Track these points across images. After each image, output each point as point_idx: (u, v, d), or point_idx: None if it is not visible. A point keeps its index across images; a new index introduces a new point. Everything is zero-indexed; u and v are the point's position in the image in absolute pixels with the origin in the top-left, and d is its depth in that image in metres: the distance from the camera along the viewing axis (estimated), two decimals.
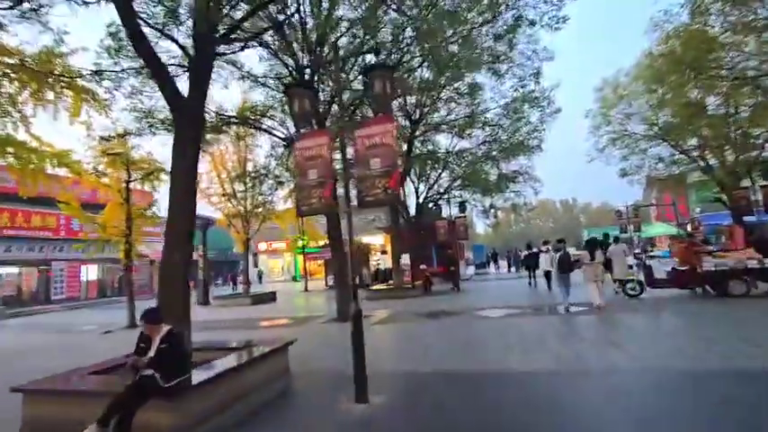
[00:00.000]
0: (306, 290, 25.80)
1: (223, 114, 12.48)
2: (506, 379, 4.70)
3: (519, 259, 25.65)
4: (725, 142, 12.34)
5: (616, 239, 11.09)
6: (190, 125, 5.23)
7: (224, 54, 8.35)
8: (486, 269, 29.97)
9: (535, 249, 17.65)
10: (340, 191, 5.59)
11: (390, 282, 20.15)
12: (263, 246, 46.55)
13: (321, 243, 29.79)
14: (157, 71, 5.25)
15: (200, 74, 5.30)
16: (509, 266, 30.62)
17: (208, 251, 25.75)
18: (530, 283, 16.58)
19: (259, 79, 12.75)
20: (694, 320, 7.10)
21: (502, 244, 73.23)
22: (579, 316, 8.67)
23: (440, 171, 23.10)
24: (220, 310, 17.11)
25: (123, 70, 7.21)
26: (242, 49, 7.86)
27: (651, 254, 11.18)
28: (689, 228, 35.51)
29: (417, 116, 16.92)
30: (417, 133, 17.28)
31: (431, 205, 24.24)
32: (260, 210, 19.75)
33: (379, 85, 3.95)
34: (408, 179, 24.48)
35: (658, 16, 11.73)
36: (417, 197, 24.41)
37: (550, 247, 13.69)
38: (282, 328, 10.46)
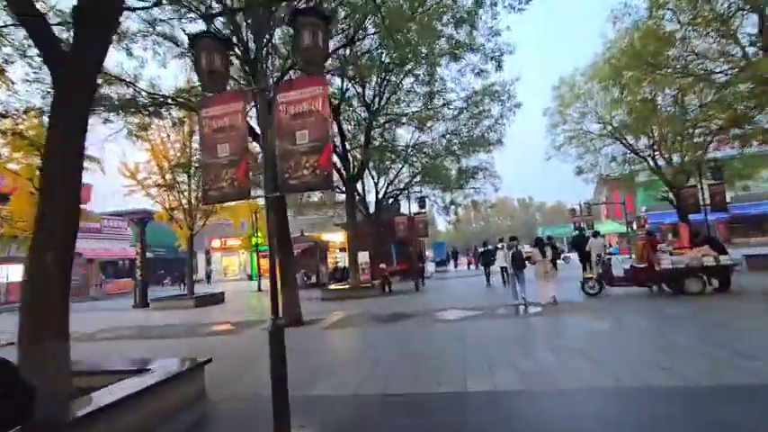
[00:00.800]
0: (259, 289, 24.32)
1: (156, 95, 11.07)
2: (462, 402, 3.96)
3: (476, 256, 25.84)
4: (681, 138, 12.39)
5: (596, 234, 10.95)
6: (77, 90, 4.07)
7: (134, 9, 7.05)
8: (446, 267, 29.76)
9: (490, 247, 17.87)
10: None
11: (348, 281, 19.26)
12: (216, 243, 44.06)
13: None
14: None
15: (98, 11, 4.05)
16: (468, 264, 30.82)
17: (150, 248, 23.73)
18: (487, 280, 16.66)
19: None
20: (662, 323, 6.75)
21: (463, 242, 74.26)
22: (540, 317, 8.20)
23: (401, 166, 22.50)
24: (157, 313, 15.51)
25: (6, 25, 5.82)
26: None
27: (610, 251, 10.90)
28: (635, 225, 37.21)
29: (376, 106, 16.10)
30: (376, 124, 16.45)
31: (390, 201, 23.58)
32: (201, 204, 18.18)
33: (308, 36, 3.05)
34: (368, 174, 23.73)
35: (618, 8, 11.58)
36: (377, 193, 23.67)
37: (505, 245, 13.52)
38: (219, 335, 9.29)
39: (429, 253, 34.98)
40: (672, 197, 20.21)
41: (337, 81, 14.05)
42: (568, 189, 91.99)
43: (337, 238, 30.20)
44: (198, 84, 11.94)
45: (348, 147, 16.42)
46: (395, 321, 9.35)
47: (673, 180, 19.41)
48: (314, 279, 24.96)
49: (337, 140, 15.74)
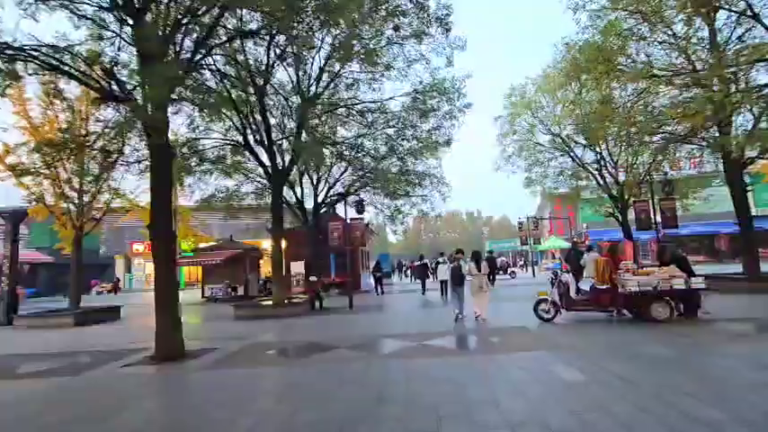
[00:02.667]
0: None
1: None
2: None
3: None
4: (638, 144, 11.45)
5: (590, 248, 9.48)
6: None
7: None
8: (390, 279, 27.93)
9: (426, 261, 17.02)
10: None
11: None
12: (139, 247, 39.12)
13: (204, 244, 25.04)
14: None
15: None
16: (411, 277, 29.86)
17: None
18: (422, 290, 16.64)
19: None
20: (652, 373, 5.11)
21: (413, 253, 73.34)
22: (491, 357, 6.39)
23: (342, 170, 20.44)
24: (8, 333, 12.13)
25: None
26: None
27: (564, 270, 9.39)
28: (580, 239, 37.79)
29: (312, 93, 13.97)
30: (312, 114, 14.28)
31: (330, 208, 21.39)
32: (99, 197, 14.93)
33: None
34: (306, 176, 21.41)
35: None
36: (316, 197, 21.41)
37: (447, 258, 12.33)
38: (41, 378, 6.49)
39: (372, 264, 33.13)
40: (617, 214, 19.93)
41: (261, 53, 11.86)
42: (514, 204, 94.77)
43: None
44: (75, 42, 9.25)
45: (276, 137, 14.09)
46: (308, 355, 7.18)
47: (618, 196, 19.11)
48: (240, 291, 22.02)
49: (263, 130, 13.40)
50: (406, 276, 32.68)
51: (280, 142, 14.40)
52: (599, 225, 34.23)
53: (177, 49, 7.59)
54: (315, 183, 21.24)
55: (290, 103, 14.25)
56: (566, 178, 21.34)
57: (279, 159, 14.76)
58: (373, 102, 14.64)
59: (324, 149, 14.73)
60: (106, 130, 10.59)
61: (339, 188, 21.93)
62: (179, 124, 14.98)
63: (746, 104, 10.87)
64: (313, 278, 15.09)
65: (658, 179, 14.03)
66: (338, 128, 17.12)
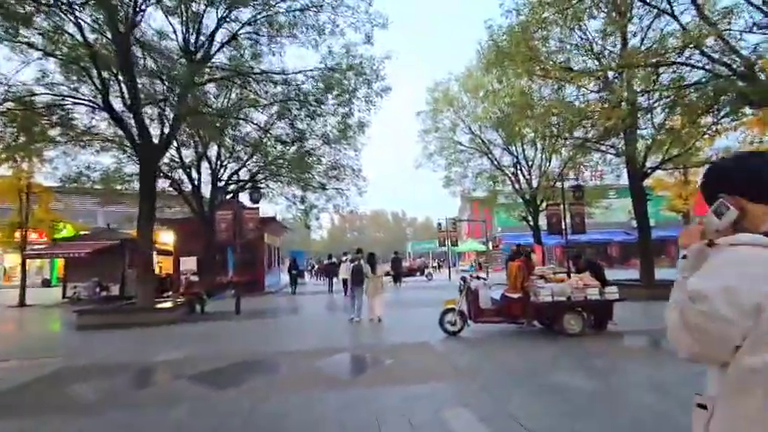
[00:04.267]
0: (21, 304, 16.76)
1: None
2: None
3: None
4: (567, 136, 10.94)
5: (529, 254, 8.33)
6: None
7: None
8: (304, 279, 25.84)
9: (334, 259, 15.74)
10: None
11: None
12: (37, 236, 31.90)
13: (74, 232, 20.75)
14: None
15: None
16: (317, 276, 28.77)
17: None
18: (329, 289, 16.70)
19: None
20: (562, 408, 4.00)
21: (338, 252, 71.41)
22: (385, 389, 4.92)
23: (247, 156, 17.96)
24: None
25: None
26: None
27: (478, 275, 8.36)
28: (491, 245, 38.91)
29: (201, 54, 11.52)
30: (200, 80, 11.79)
31: (231, 196, 18.75)
32: None
33: None
34: (205, 159, 18.54)
35: None
36: (214, 183, 18.65)
37: (348, 258, 12.43)
38: None
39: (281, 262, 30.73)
40: (530, 218, 20.18)
41: None
42: (439, 206, 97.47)
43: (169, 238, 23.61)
44: None
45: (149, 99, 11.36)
46: (127, 392, 5.12)
47: (531, 200, 19.30)
48: (116, 291, 18.37)
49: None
50: (314, 276, 31.15)
51: (155, 110, 11.70)
52: (514, 229, 35.51)
53: None
54: (214, 167, 18.50)
55: (173, 64, 11.60)
56: (483, 180, 21.18)
57: (157, 132, 12.08)
58: (278, 73, 12.57)
59: (218, 124, 12.32)
60: None
61: (246, 176, 19.44)
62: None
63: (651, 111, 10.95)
64: (193, 278, 12.63)
65: (569, 185, 13.89)
66: (246, 108, 14.67)
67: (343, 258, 13.91)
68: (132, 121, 11.01)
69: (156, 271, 20.00)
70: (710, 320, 0.89)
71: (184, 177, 18.11)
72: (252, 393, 4.73)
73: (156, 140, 11.63)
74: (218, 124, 12.64)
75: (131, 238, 20.45)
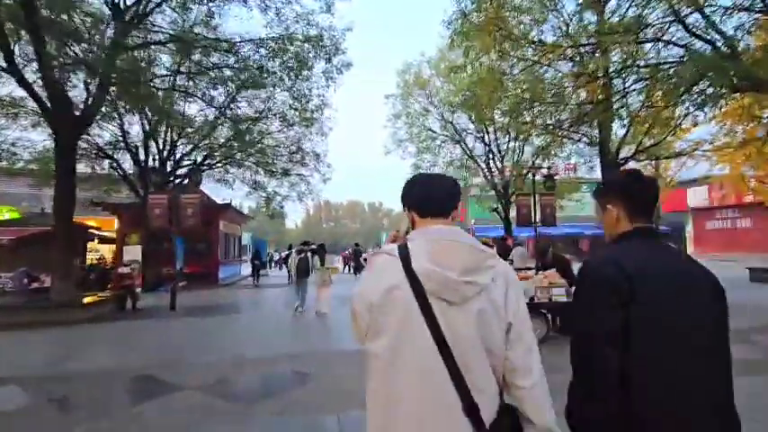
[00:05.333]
0: None
1: None
2: None
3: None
4: (537, 113, 10.04)
5: (518, 244, 7.57)
6: None
7: None
8: (267, 270, 24.43)
9: (293, 251, 14.38)
10: None
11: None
12: None
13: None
14: None
15: None
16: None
17: None
18: (288, 282, 15.92)
19: None
20: None
21: (319, 242, 70.20)
22: (295, 420, 3.86)
23: (202, 136, 16.34)
24: None
25: None
26: None
27: None
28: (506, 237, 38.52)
29: (131, 14, 9.97)
30: (132, 41, 10.25)
31: (182, 179, 17.20)
32: None
33: None
34: (153, 140, 16.82)
35: None
36: (162, 163, 17.01)
37: (294, 250, 11.50)
38: None
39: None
40: (501, 209, 19.46)
41: None
42: None
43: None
44: None
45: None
46: None
47: (504, 191, 18.56)
48: (48, 282, 16.56)
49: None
50: (278, 267, 30.02)
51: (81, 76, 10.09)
52: (486, 222, 35.05)
53: None
54: (161, 147, 16.83)
55: (94, 23, 9.98)
56: (455, 170, 20.28)
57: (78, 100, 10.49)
58: (223, 41, 11.12)
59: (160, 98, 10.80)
60: None
61: (201, 159, 17.84)
62: None
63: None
64: (124, 269, 11.20)
65: (541, 176, 13.12)
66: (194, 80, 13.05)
67: (294, 250, 12.92)
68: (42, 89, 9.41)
69: (91, 262, 18.31)
70: (353, 315, 1.17)
71: (128, 158, 16.47)
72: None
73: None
74: (159, 98, 11.13)
75: (77, 225, 18.68)
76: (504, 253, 9.21)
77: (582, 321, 1.17)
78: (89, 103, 10.15)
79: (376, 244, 72.46)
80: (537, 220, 12.27)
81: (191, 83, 12.63)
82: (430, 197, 1.20)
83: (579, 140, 12.74)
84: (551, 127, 11.40)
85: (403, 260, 1.07)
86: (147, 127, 16.06)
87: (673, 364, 1.07)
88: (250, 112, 15.14)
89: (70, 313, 9.44)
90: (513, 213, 19.07)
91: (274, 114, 15.07)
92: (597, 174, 18.15)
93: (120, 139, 16.00)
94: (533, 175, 12.41)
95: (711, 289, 1.15)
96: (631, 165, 14.26)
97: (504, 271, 1.12)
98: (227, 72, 11.55)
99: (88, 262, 19.26)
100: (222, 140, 16.43)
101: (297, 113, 14.28)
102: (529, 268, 7.39)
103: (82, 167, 17.06)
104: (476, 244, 1.10)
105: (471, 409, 1.02)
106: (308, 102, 13.33)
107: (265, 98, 14.13)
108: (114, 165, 16.12)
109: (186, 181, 17.16)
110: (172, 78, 12.85)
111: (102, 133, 16.00)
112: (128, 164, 16.79)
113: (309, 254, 10.07)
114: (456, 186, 1.26)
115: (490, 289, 1.06)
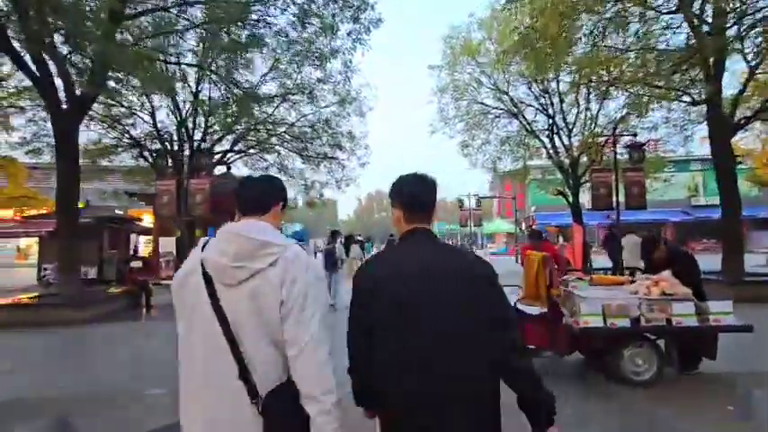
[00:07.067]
0: None
1: None
2: None
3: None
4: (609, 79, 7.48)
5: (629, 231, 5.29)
6: None
7: None
8: None
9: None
10: None
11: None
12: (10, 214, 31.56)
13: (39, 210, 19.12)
14: None
15: None
16: None
17: None
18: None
19: None
20: None
21: (365, 232, 69.61)
22: None
23: (232, 119, 15.18)
24: None
25: None
26: None
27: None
28: (523, 225, 34.76)
29: None
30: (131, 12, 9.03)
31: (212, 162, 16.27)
32: None
33: None
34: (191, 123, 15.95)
35: None
36: (192, 145, 15.98)
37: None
38: None
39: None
40: (567, 191, 16.53)
41: None
42: (471, 186, 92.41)
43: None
44: None
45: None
46: None
47: (572, 170, 15.59)
48: (93, 274, 16.59)
49: None
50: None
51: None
52: (550, 208, 31.40)
53: None
54: (191, 133, 15.90)
55: None
56: (511, 147, 17.57)
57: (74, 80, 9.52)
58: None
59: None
60: None
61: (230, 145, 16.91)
62: None
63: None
64: (137, 263, 10.26)
65: (623, 146, 10.30)
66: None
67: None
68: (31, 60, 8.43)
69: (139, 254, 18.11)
70: None
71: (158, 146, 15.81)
72: None
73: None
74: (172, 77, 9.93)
75: (113, 217, 18.73)
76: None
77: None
78: (86, 82, 9.10)
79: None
80: (618, 204, 9.57)
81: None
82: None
83: (679, 98, 9.70)
84: (639, 80, 8.63)
85: (201, 250, 1.26)
86: (178, 115, 15.32)
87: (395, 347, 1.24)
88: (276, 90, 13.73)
89: (75, 312, 8.55)
90: (584, 197, 16.12)
91: (301, 91, 13.50)
92: (694, 147, 14.57)
93: (152, 128, 15.38)
94: (614, 145, 9.64)
95: (462, 277, 1.27)
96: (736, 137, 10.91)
97: (288, 257, 1.20)
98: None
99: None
100: (251, 124, 15.23)
101: (324, 87, 12.56)
102: (638, 269, 5.02)
103: (127, 160, 16.93)
104: (253, 235, 1.21)
105: (243, 375, 1.14)
106: (327, 61, 11.44)
107: (287, 71, 12.55)
108: (148, 154, 15.53)
109: (217, 169, 16.29)
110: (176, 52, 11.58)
111: (140, 124, 15.53)
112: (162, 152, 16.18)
113: (338, 244, 9.30)
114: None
115: (266, 272, 1.17)
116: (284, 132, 16.14)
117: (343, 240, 9.25)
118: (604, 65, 8.85)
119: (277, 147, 17.04)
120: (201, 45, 11.90)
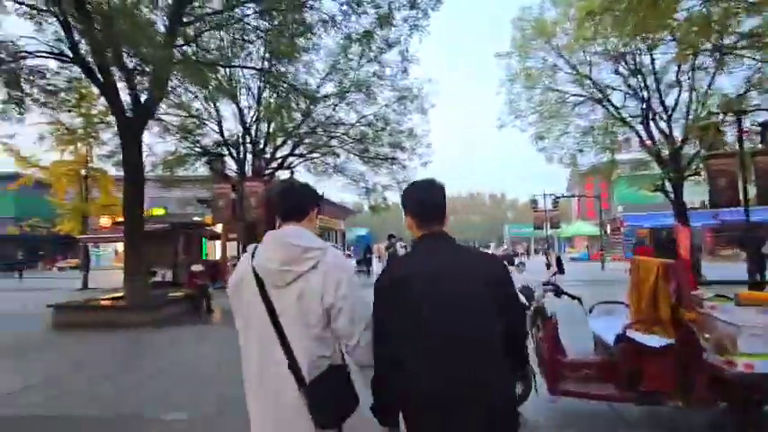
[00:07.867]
0: (84, 287, 16.93)
1: None
2: None
3: None
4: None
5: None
6: None
7: None
8: (369, 267, 22.64)
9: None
10: None
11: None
12: (105, 221, 35.46)
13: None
14: None
15: None
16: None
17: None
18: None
19: None
20: None
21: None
22: None
23: (294, 125, 15.12)
24: None
25: None
26: None
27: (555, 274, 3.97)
28: (609, 228, 30.94)
29: None
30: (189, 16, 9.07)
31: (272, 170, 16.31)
32: None
33: None
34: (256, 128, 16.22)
35: None
36: (257, 155, 16.18)
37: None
38: None
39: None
40: (669, 188, 14.01)
41: None
42: (547, 185, 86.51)
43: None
44: None
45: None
46: None
47: (672, 161, 13.10)
48: (169, 277, 17.57)
49: None
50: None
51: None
52: (640, 208, 27.70)
53: None
54: (253, 138, 16.08)
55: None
56: (595, 138, 15.44)
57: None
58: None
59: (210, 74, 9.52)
60: None
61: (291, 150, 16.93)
62: None
63: None
64: (197, 267, 10.29)
65: (750, 124, 8.19)
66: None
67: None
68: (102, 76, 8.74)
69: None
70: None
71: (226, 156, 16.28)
72: None
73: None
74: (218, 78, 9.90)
75: (186, 223, 19.80)
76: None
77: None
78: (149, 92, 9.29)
79: (499, 237, 66.64)
80: (747, 197, 7.52)
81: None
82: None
83: None
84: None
85: (252, 257, 1.46)
86: (242, 122, 15.64)
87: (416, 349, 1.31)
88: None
89: (138, 316, 8.68)
90: (687, 194, 13.60)
91: (358, 88, 12.94)
92: None
93: (219, 136, 15.88)
94: (739, 123, 7.62)
95: (474, 279, 1.32)
96: None
97: (328, 261, 1.40)
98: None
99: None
100: (309, 127, 15.06)
101: (381, 82, 11.85)
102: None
103: (200, 169, 17.79)
104: (296, 241, 1.41)
105: (292, 366, 1.35)
106: (381, 52, 10.69)
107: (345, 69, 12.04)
108: (216, 162, 16.05)
109: (279, 174, 16.35)
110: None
111: (209, 133, 16.14)
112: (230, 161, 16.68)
113: (398, 246, 8.45)
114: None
115: (309, 275, 1.37)
116: (343, 134, 15.77)
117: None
118: (720, 24, 7.04)
119: (337, 149, 16.73)
120: (263, 49, 11.86)
